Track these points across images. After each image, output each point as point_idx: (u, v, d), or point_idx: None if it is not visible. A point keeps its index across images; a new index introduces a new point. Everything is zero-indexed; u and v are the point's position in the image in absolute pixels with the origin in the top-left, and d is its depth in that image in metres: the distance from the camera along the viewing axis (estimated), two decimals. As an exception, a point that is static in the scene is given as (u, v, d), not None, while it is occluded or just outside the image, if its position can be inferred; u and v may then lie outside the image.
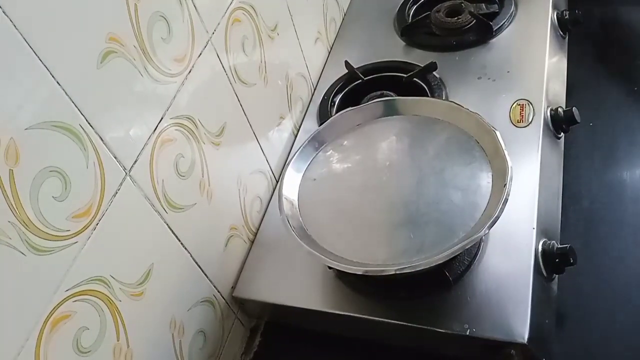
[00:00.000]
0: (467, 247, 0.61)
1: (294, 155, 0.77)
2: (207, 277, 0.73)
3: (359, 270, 0.63)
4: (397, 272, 0.60)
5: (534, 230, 0.69)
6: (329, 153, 0.78)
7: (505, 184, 0.63)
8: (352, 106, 0.82)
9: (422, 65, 0.93)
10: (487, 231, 0.60)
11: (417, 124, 0.78)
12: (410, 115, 0.79)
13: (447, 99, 0.89)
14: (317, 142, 0.79)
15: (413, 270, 0.61)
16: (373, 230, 0.68)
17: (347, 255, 0.65)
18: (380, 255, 0.65)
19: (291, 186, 0.74)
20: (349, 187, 0.74)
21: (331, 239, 0.68)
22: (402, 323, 0.68)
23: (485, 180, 0.67)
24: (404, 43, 1.03)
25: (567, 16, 0.99)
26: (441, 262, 0.61)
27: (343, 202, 0.72)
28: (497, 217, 0.60)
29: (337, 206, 0.72)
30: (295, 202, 0.73)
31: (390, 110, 0.80)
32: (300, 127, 0.97)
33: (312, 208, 0.72)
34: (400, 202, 0.70)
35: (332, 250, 0.66)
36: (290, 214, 0.71)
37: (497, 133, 0.68)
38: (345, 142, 0.79)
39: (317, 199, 0.73)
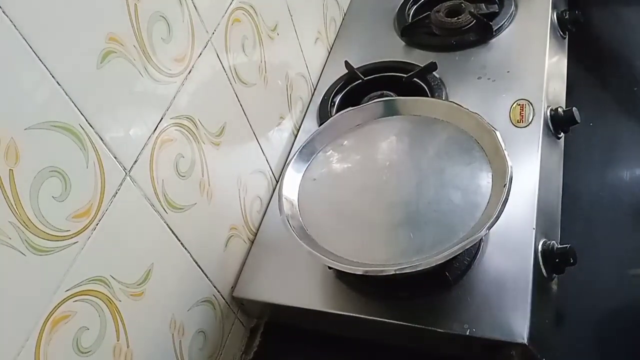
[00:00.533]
0: (467, 247, 0.61)
1: (294, 155, 0.77)
2: (207, 277, 0.73)
3: (358, 270, 0.63)
4: (397, 272, 0.60)
5: (534, 230, 0.69)
6: (329, 153, 0.78)
7: (505, 184, 0.63)
8: (352, 106, 0.82)
9: (422, 65, 0.93)
10: (487, 231, 0.60)
11: (417, 124, 0.78)
12: (410, 115, 0.79)
13: (447, 99, 0.89)
14: (317, 142, 0.79)
15: (413, 271, 0.61)
16: (373, 230, 0.68)
17: (347, 255, 0.65)
18: (380, 255, 0.65)
19: (291, 186, 0.74)
20: (349, 187, 0.74)
21: (331, 238, 0.68)
22: (402, 323, 0.68)
23: (485, 180, 0.67)
24: (404, 43, 1.03)
25: (567, 16, 0.99)
26: (441, 262, 0.61)
27: (343, 202, 0.72)
28: (497, 217, 0.60)
29: (337, 206, 0.72)
30: (295, 202, 0.73)
31: (390, 110, 0.80)
32: (300, 127, 0.97)
33: (312, 208, 0.72)
34: (400, 202, 0.70)
35: (332, 250, 0.66)
36: (291, 214, 0.71)
37: (497, 133, 0.68)
38: (345, 142, 0.79)
39: (317, 198, 0.73)
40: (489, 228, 0.60)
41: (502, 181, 0.64)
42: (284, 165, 0.91)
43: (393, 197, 0.71)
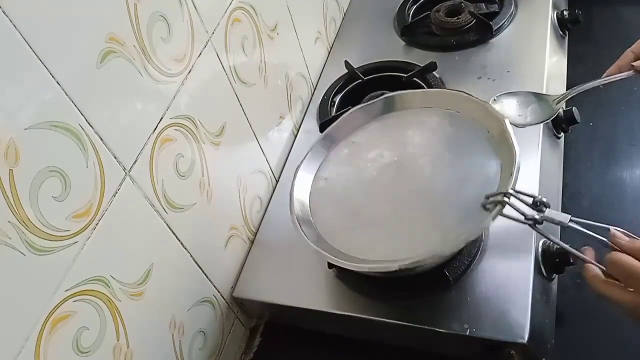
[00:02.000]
0: (471, 239, 0.59)
1: (306, 155, 0.76)
2: (207, 277, 0.73)
3: (363, 268, 0.62)
4: (400, 267, 0.59)
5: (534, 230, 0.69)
6: (338, 152, 0.77)
7: (512, 173, 0.61)
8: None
9: (422, 65, 0.93)
10: (491, 221, 0.59)
11: (424, 117, 0.76)
12: (418, 108, 0.78)
13: (447, 98, 0.88)
14: (327, 142, 0.78)
15: (416, 265, 0.59)
16: (382, 227, 0.67)
17: (356, 254, 0.65)
18: (389, 252, 0.63)
19: (302, 186, 0.74)
20: (358, 185, 0.73)
21: (341, 237, 0.67)
22: (402, 323, 0.68)
23: (493, 170, 0.65)
24: (404, 43, 1.03)
25: (567, 16, 0.99)
26: (445, 255, 0.59)
27: (354, 200, 0.71)
28: (501, 209, 0.59)
29: (346, 205, 0.71)
30: (306, 202, 0.72)
31: (398, 106, 0.79)
32: (300, 127, 0.97)
33: (323, 207, 0.71)
34: (409, 198, 0.69)
35: (341, 249, 0.65)
36: (301, 215, 0.70)
37: (506, 120, 0.66)
38: (355, 139, 0.78)
39: (327, 198, 0.73)
40: (494, 218, 0.58)
41: (509, 171, 0.62)
42: (284, 165, 0.91)
43: (402, 193, 0.69)
